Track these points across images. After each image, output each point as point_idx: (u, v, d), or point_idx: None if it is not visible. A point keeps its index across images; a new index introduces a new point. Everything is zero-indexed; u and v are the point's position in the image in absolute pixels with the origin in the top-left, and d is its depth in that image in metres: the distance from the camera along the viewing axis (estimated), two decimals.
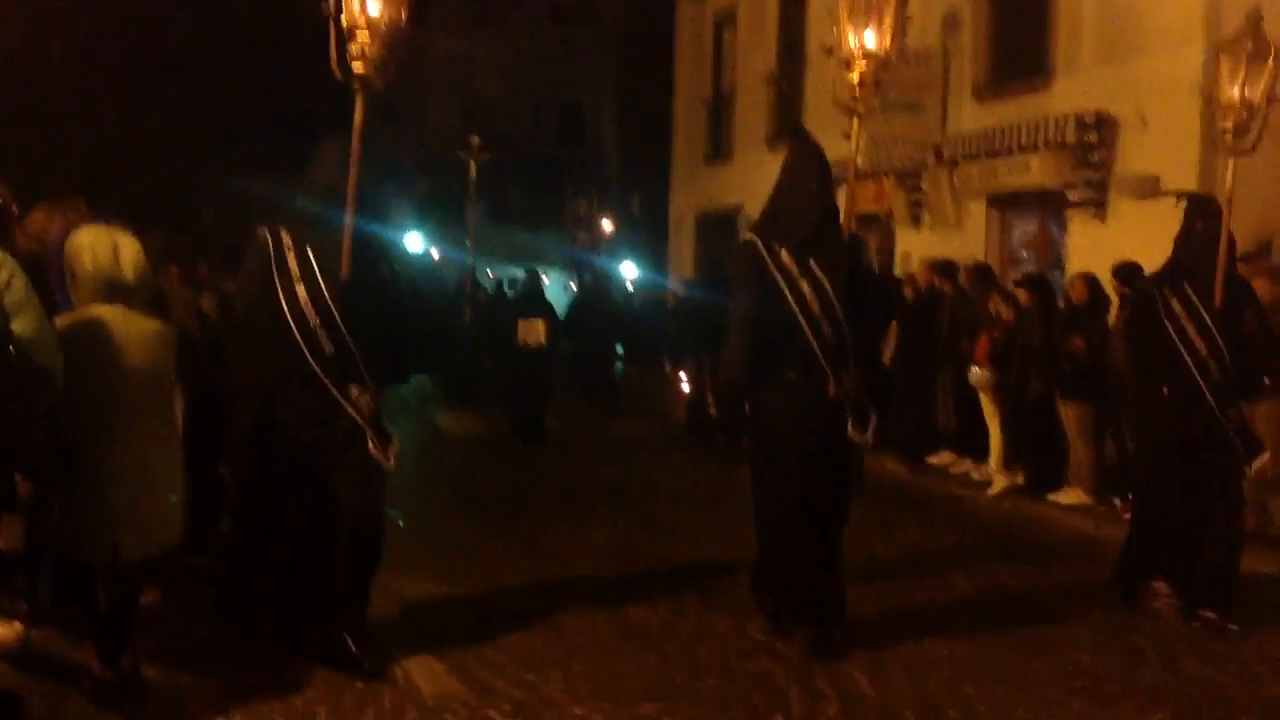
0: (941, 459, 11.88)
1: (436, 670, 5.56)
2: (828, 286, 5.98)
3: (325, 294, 5.39)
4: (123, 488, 4.91)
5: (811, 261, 6.00)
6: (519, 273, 32.97)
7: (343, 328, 5.38)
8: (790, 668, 5.84)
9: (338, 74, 5.56)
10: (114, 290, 5.00)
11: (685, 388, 19.75)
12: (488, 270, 28.98)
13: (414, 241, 34.00)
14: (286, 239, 5.49)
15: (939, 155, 15.32)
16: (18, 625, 5.62)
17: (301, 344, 5.36)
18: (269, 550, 5.57)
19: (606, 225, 30.89)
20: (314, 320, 5.37)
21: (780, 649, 6.11)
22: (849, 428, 6.03)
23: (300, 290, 5.39)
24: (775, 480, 6.11)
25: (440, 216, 39.37)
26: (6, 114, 16.51)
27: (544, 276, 16.02)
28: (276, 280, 5.41)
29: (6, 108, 16.73)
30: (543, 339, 13.60)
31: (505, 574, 7.56)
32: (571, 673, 5.65)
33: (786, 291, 5.97)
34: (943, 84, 15.46)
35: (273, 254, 5.46)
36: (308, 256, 5.44)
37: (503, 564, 7.83)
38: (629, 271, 28.50)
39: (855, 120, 6.29)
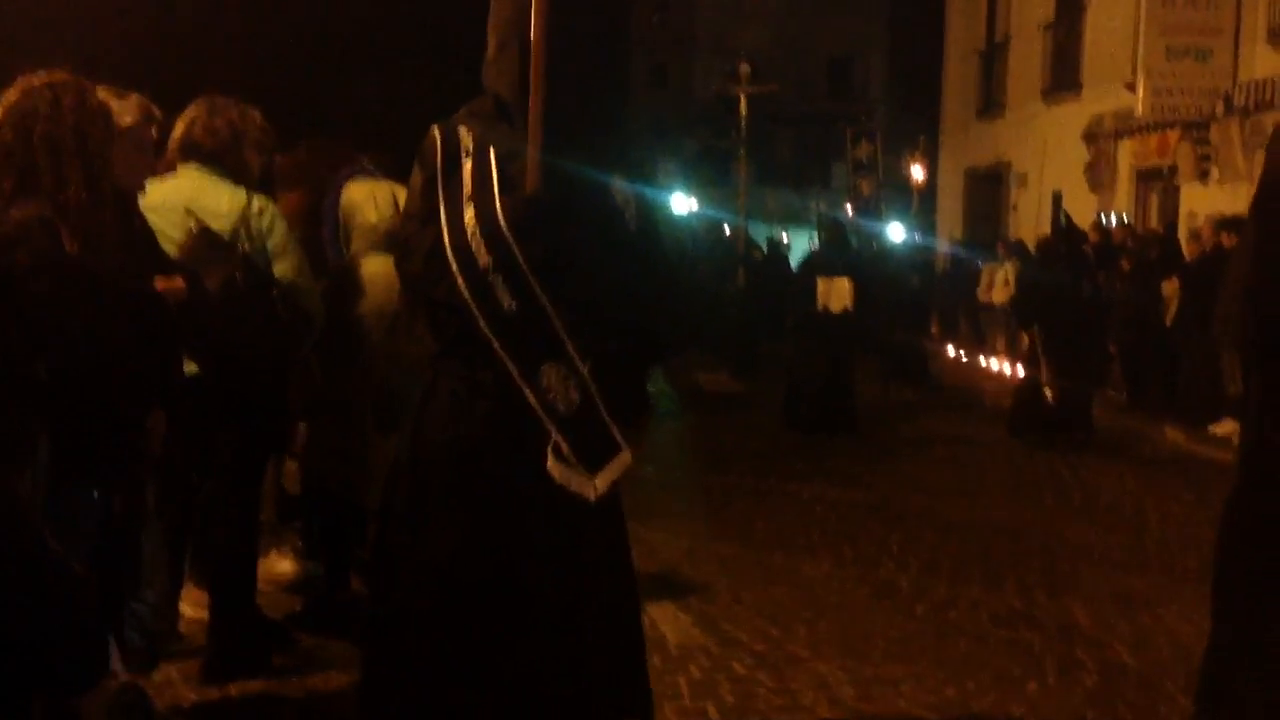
0: (1225, 428, 11.16)
1: (682, 621, 5.61)
2: None
3: (500, 217, 3.28)
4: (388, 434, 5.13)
5: None
6: (784, 235, 32.97)
7: (528, 272, 3.26)
8: (1048, 636, 5.62)
9: None
10: (391, 242, 5.22)
11: (955, 355, 19.00)
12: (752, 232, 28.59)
13: (680, 203, 34.33)
14: (466, 139, 3.39)
15: (1229, 104, 14.37)
16: (301, 562, 5.96)
17: (466, 295, 3.27)
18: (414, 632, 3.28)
19: (917, 173, 28.91)
20: (485, 259, 3.28)
21: (1039, 617, 5.90)
22: None
23: (468, 214, 3.32)
24: None
25: (705, 178, 39.62)
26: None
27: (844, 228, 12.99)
28: (441, 200, 3.35)
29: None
30: (848, 302, 11.24)
31: (754, 529, 7.56)
32: (817, 629, 5.59)
33: None
34: (1235, 27, 14.50)
35: (441, 163, 3.38)
36: (489, 164, 3.35)
37: (753, 519, 7.83)
38: (896, 233, 27.80)
39: None
